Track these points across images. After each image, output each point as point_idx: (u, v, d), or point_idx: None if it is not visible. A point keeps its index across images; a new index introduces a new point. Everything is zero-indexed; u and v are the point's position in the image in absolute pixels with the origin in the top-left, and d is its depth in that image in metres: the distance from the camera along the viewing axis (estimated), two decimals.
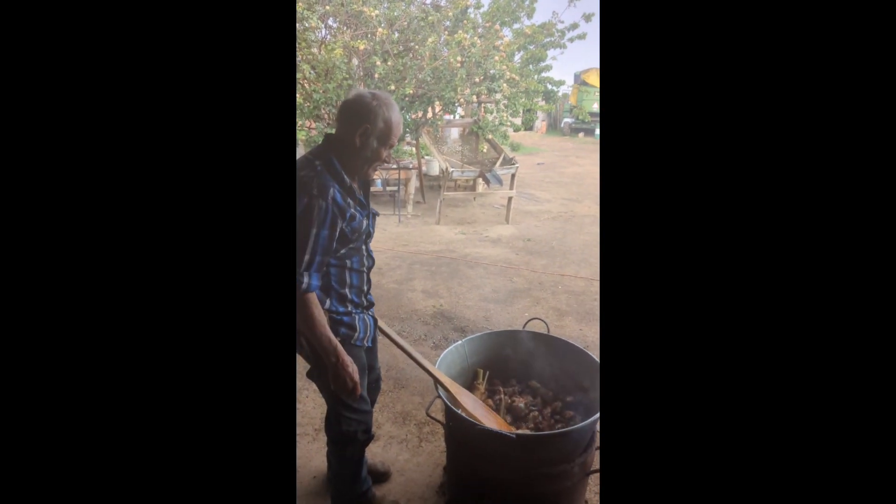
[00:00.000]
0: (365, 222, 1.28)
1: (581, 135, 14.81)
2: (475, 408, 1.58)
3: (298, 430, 2.01)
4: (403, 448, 1.93)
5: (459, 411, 1.54)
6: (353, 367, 1.23)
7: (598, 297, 3.39)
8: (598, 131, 14.14)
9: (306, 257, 1.14)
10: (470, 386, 1.71)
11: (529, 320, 1.94)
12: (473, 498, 1.50)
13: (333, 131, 1.26)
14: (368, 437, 1.45)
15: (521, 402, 1.71)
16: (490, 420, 1.57)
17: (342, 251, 1.25)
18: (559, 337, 1.78)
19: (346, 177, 1.22)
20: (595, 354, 1.60)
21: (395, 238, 4.67)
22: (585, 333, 2.89)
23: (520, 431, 1.43)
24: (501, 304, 3.28)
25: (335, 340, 1.20)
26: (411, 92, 4.29)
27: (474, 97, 5.05)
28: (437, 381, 1.51)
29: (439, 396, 1.47)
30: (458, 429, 1.51)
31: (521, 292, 3.47)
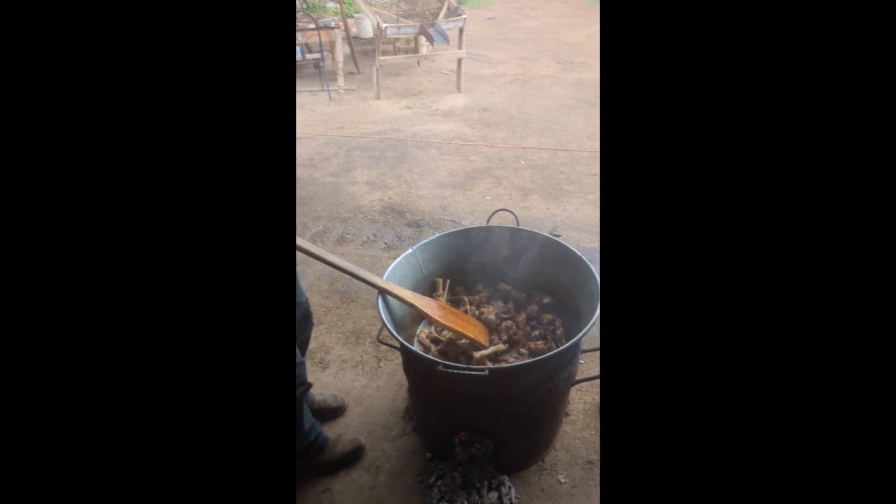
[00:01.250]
0: None
1: None
2: (445, 316, 1.28)
3: None
4: (360, 372, 1.68)
5: (417, 339, 1.24)
6: None
7: (563, 169, 3.04)
8: None
9: None
10: None
11: (495, 212, 1.56)
12: (444, 423, 1.28)
13: None
14: (304, 388, 1.13)
15: (490, 313, 1.43)
16: (465, 326, 1.31)
17: None
18: (528, 229, 1.44)
19: None
20: (567, 237, 1.28)
21: (326, 120, 3.93)
22: (554, 213, 2.60)
23: (492, 366, 1.15)
24: (459, 188, 2.87)
25: None
26: None
27: None
28: (384, 295, 1.17)
29: (385, 326, 1.14)
30: (416, 364, 1.22)
31: (480, 172, 3.05)
